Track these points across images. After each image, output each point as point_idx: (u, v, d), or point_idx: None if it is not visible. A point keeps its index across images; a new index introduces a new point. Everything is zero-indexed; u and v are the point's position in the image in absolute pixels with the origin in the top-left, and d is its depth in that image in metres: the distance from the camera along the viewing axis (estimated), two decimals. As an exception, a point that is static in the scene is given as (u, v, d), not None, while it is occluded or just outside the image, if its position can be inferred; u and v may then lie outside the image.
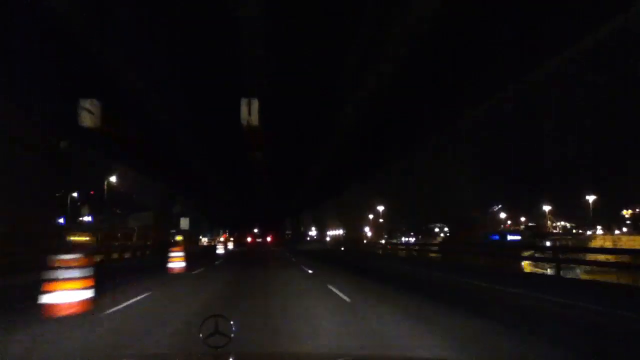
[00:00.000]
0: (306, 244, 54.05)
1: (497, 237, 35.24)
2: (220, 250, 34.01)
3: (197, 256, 24.78)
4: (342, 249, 38.25)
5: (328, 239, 56.96)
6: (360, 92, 14.56)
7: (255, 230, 76.72)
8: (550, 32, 10.93)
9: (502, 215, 69.00)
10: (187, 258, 15.54)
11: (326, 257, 27.49)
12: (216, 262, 22.22)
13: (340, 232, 62.26)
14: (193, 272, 14.85)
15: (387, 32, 10.85)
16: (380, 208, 48.79)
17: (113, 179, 40.43)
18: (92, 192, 49.98)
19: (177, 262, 14.78)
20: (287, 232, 71.93)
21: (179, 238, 37.56)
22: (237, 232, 74.47)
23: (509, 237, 33.70)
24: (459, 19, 10.47)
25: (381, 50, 11.59)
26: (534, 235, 32.63)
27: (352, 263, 21.50)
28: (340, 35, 11.29)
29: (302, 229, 67.96)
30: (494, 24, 10.66)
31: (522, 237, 33.38)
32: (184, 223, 42.95)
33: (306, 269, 16.60)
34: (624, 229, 67.96)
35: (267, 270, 17.21)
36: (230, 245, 48.55)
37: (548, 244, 31.09)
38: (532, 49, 11.89)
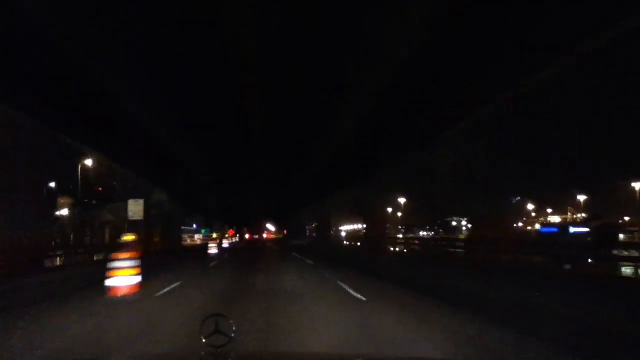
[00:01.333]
0: (304, 239, 48.78)
1: (555, 230, 28.62)
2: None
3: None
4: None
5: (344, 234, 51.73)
6: (367, 90, 14.36)
7: (269, 226, 76.31)
8: (551, 33, 10.24)
9: (530, 206, 62.16)
10: None
11: None
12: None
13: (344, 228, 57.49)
14: None
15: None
16: (402, 200, 42.42)
17: (89, 163, 33.51)
18: (100, 189, 43.05)
19: None
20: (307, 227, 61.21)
21: None
22: (245, 227, 69.90)
23: (572, 230, 27.15)
24: (459, 20, 10.05)
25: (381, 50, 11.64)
26: (606, 227, 26.24)
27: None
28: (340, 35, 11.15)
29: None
30: (495, 24, 10.13)
31: (590, 229, 27.03)
32: (134, 209, 24.62)
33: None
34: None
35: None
36: (214, 250, 28.97)
37: (621, 237, 24.84)
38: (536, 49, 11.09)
